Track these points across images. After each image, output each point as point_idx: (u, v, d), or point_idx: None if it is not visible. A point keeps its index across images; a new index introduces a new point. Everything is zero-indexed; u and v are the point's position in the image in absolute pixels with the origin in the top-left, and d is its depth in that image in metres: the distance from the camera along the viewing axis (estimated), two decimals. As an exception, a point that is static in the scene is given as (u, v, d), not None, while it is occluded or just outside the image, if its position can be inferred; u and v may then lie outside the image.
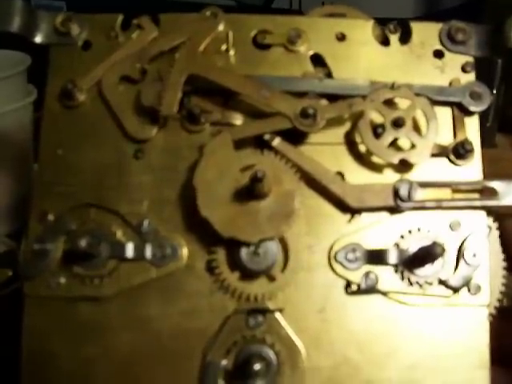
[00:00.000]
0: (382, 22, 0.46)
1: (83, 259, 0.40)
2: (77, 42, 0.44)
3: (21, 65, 0.69)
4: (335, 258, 0.40)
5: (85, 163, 0.42)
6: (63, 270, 0.40)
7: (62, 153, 0.42)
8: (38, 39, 0.43)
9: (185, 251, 0.40)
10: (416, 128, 0.42)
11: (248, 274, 0.39)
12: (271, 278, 0.40)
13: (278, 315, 0.40)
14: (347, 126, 0.43)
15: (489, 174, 0.42)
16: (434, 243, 0.39)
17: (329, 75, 0.44)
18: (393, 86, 0.42)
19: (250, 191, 0.38)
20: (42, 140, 0.42)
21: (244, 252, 0.39)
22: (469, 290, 0.40)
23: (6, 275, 0.60)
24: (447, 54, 0.44)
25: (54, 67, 0.43)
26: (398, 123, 0.41)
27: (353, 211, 0.41)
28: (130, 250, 0.40)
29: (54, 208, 0.41)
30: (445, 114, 0.43)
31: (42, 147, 0.42)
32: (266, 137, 0.41)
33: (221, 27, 0.44)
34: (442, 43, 0.45)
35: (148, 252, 0.40)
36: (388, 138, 0.41)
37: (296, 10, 0.86)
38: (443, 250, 0.38)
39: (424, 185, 0.41)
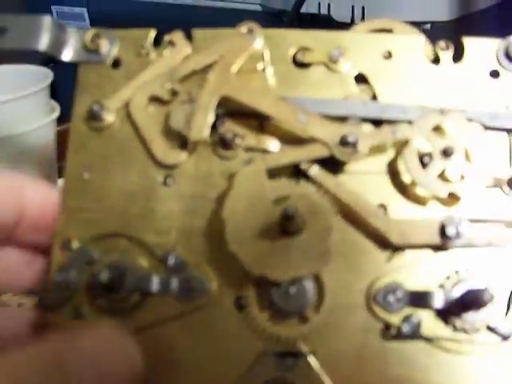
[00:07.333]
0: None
1: (106, 291, 0.38)
2: (106, 60, 0.41)
3: (44, 80, 0.67)
4: (374, 298, 0.37)
5: (111, 189, 0.40)
6: (86, 301, 0.38)
7: (89, 177, 0.40)
8: (67, 57, 0.41)
9: (213, 286, 0.38)
10: (467, 157, 0.38)
11: (279, 314, 0.37)
12: (304, 319, 0.37)
13: (310, 359, 0.37)
14: (391, 153, 0.39)
15: None
16: (484, 289, 0.35)
17: (374, 97, 0.40)
18: (443, 111, 0.39)
19: (282, 226, 0.36)
20: (68, 163, 0.40)
21: (275, 291, 0.36)
22: (521, 338, 0.37)
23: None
24: (504, 73, 0.41)
25: (82, 86, 0.41)
26: (447, 152, 0.38)
27: (394, 248, 0.38)
28: (155, 283, 0.38)
29: (78, 235, 0.39)
30: (500, 141, 0.39)
31: (67, 171, 0.40)
32: (303, 165, 0.38)
33: (257, 44, 0.41)
34: (498, 62, 0.41)
35: (174, 286, 0.38)
36: (436, 168, 0.38)
37: (325, 14, 0.82)
38: (492, 296, 0.35)
39: (474, 220, 0.38)
